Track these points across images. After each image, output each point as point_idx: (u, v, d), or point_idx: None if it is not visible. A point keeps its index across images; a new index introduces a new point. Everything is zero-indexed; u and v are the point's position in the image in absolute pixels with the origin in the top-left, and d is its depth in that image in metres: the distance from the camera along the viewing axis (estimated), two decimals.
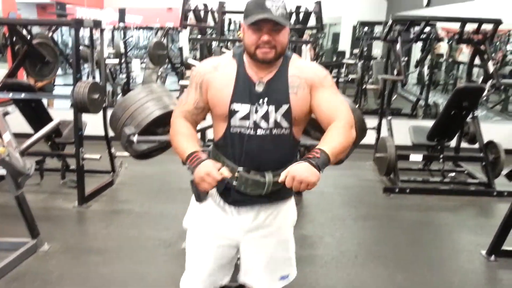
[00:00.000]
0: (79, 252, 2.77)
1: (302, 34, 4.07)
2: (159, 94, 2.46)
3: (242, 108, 1.40)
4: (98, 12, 8.96)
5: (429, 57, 5.89)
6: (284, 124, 1.42)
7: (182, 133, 1.47)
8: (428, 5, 7.23)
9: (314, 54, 6.58)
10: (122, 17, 10.02)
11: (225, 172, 1.35)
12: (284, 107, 1.41)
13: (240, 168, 1.44)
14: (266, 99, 1.40)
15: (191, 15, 3.82)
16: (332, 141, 1.34)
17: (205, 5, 3.90)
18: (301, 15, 3.87)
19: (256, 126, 1.41)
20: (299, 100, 1.42)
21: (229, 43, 4.55)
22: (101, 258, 2.72)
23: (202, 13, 3.93)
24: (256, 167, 1.44)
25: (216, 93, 1.43)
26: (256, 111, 1.41)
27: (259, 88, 1.41)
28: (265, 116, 1.40)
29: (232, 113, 1.41)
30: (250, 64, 1.43)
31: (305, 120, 1.49)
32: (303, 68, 1.47)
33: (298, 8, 3.83)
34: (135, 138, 2.25)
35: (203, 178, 1.33)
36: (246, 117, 1.41)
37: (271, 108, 1.40)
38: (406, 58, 3.97)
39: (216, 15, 3.57)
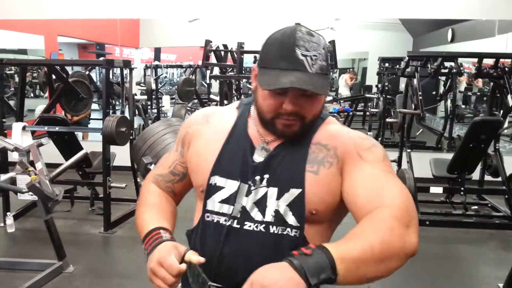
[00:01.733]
0: (102, 275, 2.93)
1: None
2: (177, 127, 2.66)
3: (227, 185, 0.98)
4: (134, 51, 9.48)
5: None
6: (290, 220, 0.94)
7: (148, 202, 1.09)
8: (452, 41, 7.29)
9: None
10: (157, 56, 10.57)
11: (193, 259, 0.89)
12: (293, 193, 0.94)
13: (212, 285, 0.93)
14: (266, 176, 0.96)
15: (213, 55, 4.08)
16: (354, 238, 0.80)
17: (225, 46, 4.15)
18: None
19: (244, 216, 0.96)
20: (320, 183, 0.94)
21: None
22: (122, 281, 2.87)
23: (222, 53, 4.19)
24: (235, 285, 0.89)
25: (197, 153, 1.04)
26: (248, 193, 0.97)
27: (259, 157, 0.99)
28: (261, 203, 0.96)
29: (210, 189, 0.99)
30: (257, 121, 1.02)
31: (331, 217, 0.98)
32: (337, 135, 0.99)
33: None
34: (152, 167, 2.43)
35: (153, 270, 0.88)
36: (230, 199, 0.97)
37: (272, 191, 0.96)
38: (421, 93, 4.03)
39: (235, 54, 3.79)
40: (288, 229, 0.95)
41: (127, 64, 3.91)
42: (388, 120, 5.03)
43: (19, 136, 3.33)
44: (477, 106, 7.74)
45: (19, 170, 2.69)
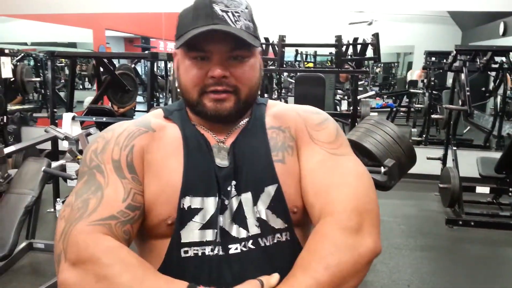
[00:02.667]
0: None
1: (361, 66, 4.16)
2: None
3: (206, 204, 0.78)
4: None
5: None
6: (277, 223, 0.80)
7: (126, 265, 0.67)
8: (504, 34, 6.97)
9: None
10: None
11: None
12: (269, 191, 0.80)
13: None
14: (233, 182, 0.80)
15: None
16: (299, 274, 0.68)
17: (266, 39, 4.17)
18: (358, 47, 3.98)
19: (225, 238, 0.78)
20: (290, 172, 0.82)
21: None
22: None
23: (263, 46, 4.20)
24: None
25: (156, 175, 0.79)
26: (223, 210, 0.79)
27: (221, 160, 0.82)
28: (238, 216, 0.79)
29: (183, 216, 0.77)
30: (200, 123, 0.86)
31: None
32: (285, 114, 0.89)
33: (355, 39, 3.96)
34: None
35: None
36: (212, 222, 0.78)
37: (245, 198, 0.80)
38: (468, 88, 3.88)
39: (276, 48, 3.80)
40: (278, 235, 0.80)
41: (171, 57, 3.99)
42: (433, 116, 4.89)
43: (69, 126, 3.48)
44: None
45: (69, 158, 2.82)
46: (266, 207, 0.80)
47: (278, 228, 0.81)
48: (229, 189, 0.80)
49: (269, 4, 5.06)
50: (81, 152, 2.85)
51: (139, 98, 6.74)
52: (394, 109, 7.21)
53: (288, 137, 0.85)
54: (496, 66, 5.02)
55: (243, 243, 0.78)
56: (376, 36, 3.58)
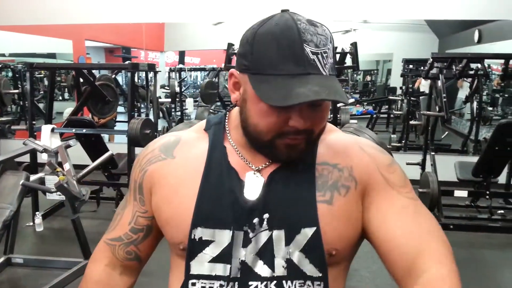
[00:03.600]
0: None
1: (340, 74, 4.22)
2: None
3: (217, 237, 0.75)
4: (159, 55, 9.64)
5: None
6: (309, 269, 0.75)
7: None
8: (479, 42, 7.16)
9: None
10: (181, 59, 10.72)
11: None
12: (306, 233, 0.74)
13: None
14: (265, 216, 0.75)
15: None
16: None
17: None
18: (337, 56, 4.05)
19: (246, 273, 0.74)
20: (336, 214, 0.76)
21: None
22: (146, 279, 2.92)
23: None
24: None
25: (167, 201, 0.79)
26: (246, 243, 0.75)
27: (251, 192, 0.76)
28: (265, 253, 0.74)
29: (193, 247, 0.76)
30: (240, 145, 0.80)
31: (350, 253, 0.82)
32: (346, 149, 0.81)
33: (334, 49, 4.02)
34: None
35: None
36: (223, 256, 0.75)
37: (277, 235, 0.75)
38: (445, 95, 3.97)
39: None
40: (309, 282, 0.74)
41: (151, 67, 4.00)
42: (412, 122, 4.98)
43: (48, 138, 3.44)
44: (505, 108, 7.57)
45: (48, 170, 2.79)
46: (299, 250, 0.74)
47: (309, 276, 0.75)
48: (255, 221, 0.74)
49: (252, 14, 5.10)
50: (60, 164, 2.83)
51: (120, 109, 6.70)
52: (374, 115, 7.32)
53: (345, 177, 0.77)
54: (472, 72, 5.15)
55: (265, 282, 0.73)
56: (354, 45, 3.64)
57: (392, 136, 6.43)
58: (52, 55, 7.69)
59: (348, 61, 4.16)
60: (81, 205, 2.84)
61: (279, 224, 0.74)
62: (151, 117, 4.16)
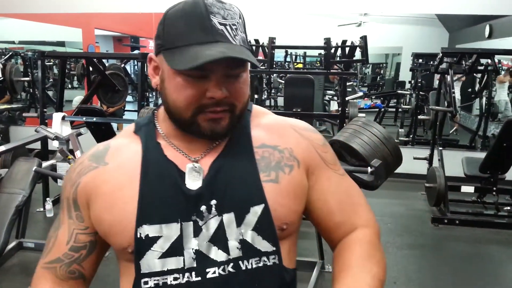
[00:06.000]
0: None
1: (349, 67, 4.22)
2: None
3: (165, 232, 0.75)
4: None
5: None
6: (263, 245, 0.78)
7: None
8: (490, 37, 7.10)
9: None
10: None
11: None
12: (256, 211, 0.77)
13: None
14: (213, 202, 0.76)
15: None
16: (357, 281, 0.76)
17: (257, 41, 4.21)
18: (347, 49, 4.05)
19: (203, 261, 0.75)
20: (284, 191, 0.79)
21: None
22: None
23: (254, 48, 4.24)
24: None
25: (107, 208, 0.77)
26: (197, 231, 0.75)
27: (194, 182, 0.76)
28: (218, 237, 0.75)
29: (140, 246, 0.75)
30: (173, 137, 0.81)
31: (298, 226, 0.85)
32: (281, 130, 0.85)
33: (344, 42, 4.02)
34: None
35: None
36: (174, 249, 0.75)
37: (228, 218, 0.76)
38: (454, 90, 3.97)
39: (266, 49, 3.84)
40: (264, 258, 0.77)
41: None
42: (420, 117, 4.98)
43: (59, 126, 3.47)
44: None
45: (59, 157, 2.83)
46: (251, 229, 0.76)
47: (265, 251, 0.77)
48: (202, 209, 0.75)
49: (259, 5, 5.10)
50: (71, 152, 2.87)
51: (129, 98, 6.74)
52: (382, 109, 7.30)
53: (287, 157, 0.81)
54: (482, 68, 5.13)
55: (222, 266, 0.75)
56: (364, 38, 3.64)
57: (400, 130, 6.42)
58: (61, 43, 7.72)
59: (357, 54, 4.16)
60: None
61: (227, 208, 0.76)
62: None
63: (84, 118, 3.82)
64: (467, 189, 4.18)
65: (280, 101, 7.26)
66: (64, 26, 6.98)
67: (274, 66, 4.32)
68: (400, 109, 7.08)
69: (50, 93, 6.55)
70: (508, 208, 4.33)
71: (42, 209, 3.73)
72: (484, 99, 5.59)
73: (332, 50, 4.01)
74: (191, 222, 0.75)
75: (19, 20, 6.44)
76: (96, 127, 4.03)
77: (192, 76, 0.71)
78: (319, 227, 0.87)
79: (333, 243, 0.87)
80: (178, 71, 0.71)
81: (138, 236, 0.74)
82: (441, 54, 4.09)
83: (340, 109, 3.85)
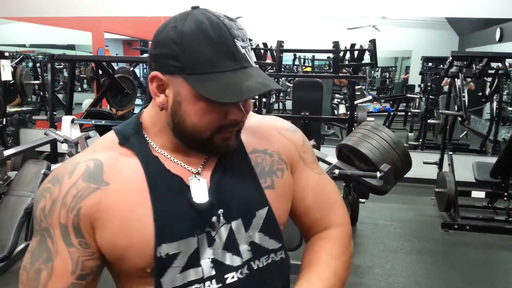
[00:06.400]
0: None
1: (358, 71, 4.21)
2: None
3: (183, 247, 0.75)
4: None
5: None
6: (270, 244, 0.82)
7: None
8: (500, 40, 7.03)
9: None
10: None
11: None
12: (261, 214, 0.81)
13: None
14: (220, 211, 0.78)
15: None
16: (315, 280, 0.82)
17: (265, 44, 4.21)
18: (355, 53, 4.03)
19: (220, 268, 0.77)
20: (279, 195, 0.84)
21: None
22: None
23: (262, 51, 4.24)
24: None
25: (121, 231, 0.74)
26: (211, 242, 0.77)
27: (199, 194, 0.77)
28: (230, 244, 0.78)
29: (161, 264, 0.74)
30: (170, 150, 0.80)
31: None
32: (266, 133, 0.88)
33: (352, 45, 4.00)
34: None
35: None
36: (192, 261, 0.76)
37: (236, 224, 0.79)
38: (464, 94, 3.93)
39: (274, 53, 3.84)
40: (272, 255, 0.82)
41: None
42: (430, 121, 4.94)
43: (68, 129, 3.50)
44: None
45: None
46: (258, 230, 0.80)
47: (272, 249, 0.82)
48: (213, 220, 0.77)
49: (268, 9, 5.10)
50: None
51: (138, 101, 6.76)
52: (392, 113, 7.26)
53: (277, 160, 0.85)
54: (492, 72, 5.08)
55: (239, 270, 0.78)
56: (373, 42, 3.62)
57: (410, 134, 6.37)
58: (72, 47, 7.79)
59: (366, 58, 4.14)
60: None
61: (235, 215, 0.78)
62: None
63: (93, 121, 3.84)
64: (478, 194, 4.14)
65: (289, 104, 7.25)
66: (74, 30, 7.04)
67: (282, 69, 4.32)
68: (409, 113, 7.04)
69: (60, 96, 6.59)
70: None
71: None
72: (495, 103, 5.53)
73: (341, 54, 3.99)
74: (205, 234, 0.76)
75: (30, 23, 6.51)
76: (104, 130, 4.05)
77: (218, 103, 0.71)
78: (297, 222, 0.93)
79: (307, 237, 0.94)
80: (201, 96, 0.70)
81: (158, 255, 0.73)
82: (451, 58, 4.05)
83: (348, 113, 3.83)
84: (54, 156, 3.79)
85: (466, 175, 4.23)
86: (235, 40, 0.70)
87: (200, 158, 0.80)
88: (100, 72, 4.43)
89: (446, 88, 6.49)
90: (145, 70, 10.85)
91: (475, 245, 3.61)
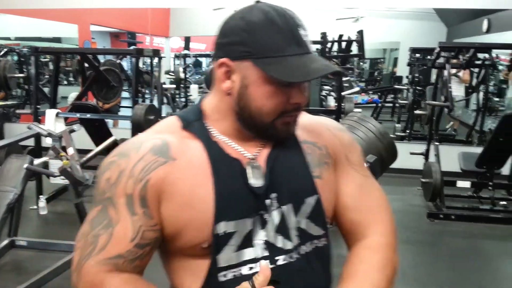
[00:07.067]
0: None
1: (346, 62, 4.20)
2: None
3: (239, 227, 0.79)
4: (164, 40, 9.60)
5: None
6: (315, 231, 0.85)
7: None
8: (488, 31, 7.06)
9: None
10: (187, 45, 10.66)
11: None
12: (310, 202, 0.83)
13: None
14: (273, 195, 0.81)
15: None
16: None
17: None
18: (343, 44, 4.02)
19: (272, 251, 0.81)
20: (326, 187, 0.86)
21: None
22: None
23: None
24: None
25: (187, 205, 0.78)
26: (263, 224, 0.80)
27: (255, 179, 0.81)
28: (282, 228, 0.81)
29: (219, 241, 0.78)
30: (229, 136, 0.83)
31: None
32: (317, 129, 0.91)
33: (340, 36, 3.99)
34: None
35: None
36: (247, 242, 0.80)
37: (287, 209, 0.82)
38: (451, 85, 3.94)
39: None
40: (316, 241, 0.85)
41: (156, 53, 3.99)
42: (417, 112, 4.96)
43: (52, 123, 3.46)
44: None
45: (52, 155, 2.81)
46: (305, 217, 0.83)
47: (316, 235, 0.85)
48: (267, 203, 0.80)
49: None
50: (64, 149, 2.84)
51: (125, 94, 6.71)
52: (379, 104, 7.27)
53: (324, 154, 0.88)
54: (479, 62, 5.10)
55: (289, 254, 0.81)
56: (360, 33, 3.61)
57: (397, 125, 6.40)
58: (58, 39, 7.68)
59: (355, 49, 4.14)
60: (84, 189, 2.87)
61: (286, 200, 0.81)
62: (155, 103, 4.17)
63: (78, 115, 3.80)
64: (463, 184, 4.18)
65: None
66: (60, 22, 6.92)
67: None
68: (397, 104, 7.06)
69: (46, 89, 6.51)
70: (504, 203, 4.32)
71: (35, 207, 3.70)
72: (481, 93, 5.56)
73: (329, 45, 3.98)
74: (259, 216, 0.80)
75: (15, 16, 6.40)
76: (90, 124, 4.02)
77: (282, 84, 0.76)
78: (337, 222, 0.91)
79: (347, 243, 0.91)
80: (270, 78, 0.75)
81: (216, 232, 0.77)
82: (438, 49, 4.06)
83: (336, 104, 3.83)
84: (38, 150, 3.75)
85: (452, 165, 4.26)
86: (299, 28, 0.76)
87: (256, 144, 0.84)
88: (86, 65, 4.38)
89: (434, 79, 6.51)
90: (132, 63, 10.75)
91: (460, 234, 3.65)
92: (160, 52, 4.08)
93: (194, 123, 0.83)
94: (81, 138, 3.84)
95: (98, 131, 4.08)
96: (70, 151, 2.83)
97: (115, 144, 3.73)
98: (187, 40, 10.55)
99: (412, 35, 9.04)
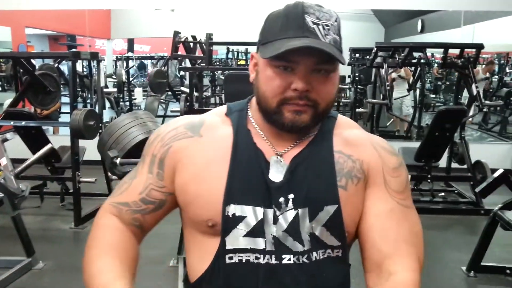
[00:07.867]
0: (71, 270, 2.90)
1: None
2: (144, 120, 2.65)
3: (249, 213, 0.80)
4: (106, 43, 9.33)
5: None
6: (330, 240, 0.82)
7: (103, 244, 0.84)
8: (422, 31, 7.43)
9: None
10: (130, 47, 10.42)
11: None
12: (329, 211, 0.81)
13: None
14: (290, 196, 0.81)
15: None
16: None
17: (194, 37, 4.15)
18: None
19: (280, 248, 0.80)
20: (350, 200, 0.83)
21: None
22: None
23: (191, 45, 4.18)
24: None
25: (196, 179, 0.82)
26: (275, 220, 0.80)
27: (276, 173, 0.82)
28: (293, 230, 0.80)
29: (228, 223, 0.80)
30: (262, 127, 0.86)
31: (351, 242, 0.88)
32: (359, 144, 0.87)
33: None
34: (118, 161, 2.42)
35: None
36: (257, 230, 0.80)
37: (302, 213, 0.80)
38: (388, 83, 4.11)
39: (204, 46, 3.80)
40: (329, 250, 0.82)
41: (94, 56, 3.85)
42: (358, 110, 5.12)
43: None
44: (446, 95, 7.94)
45: None
46: (322, 225, 0.81)
47: (331, 245, 0.82)
48: (281, 201, 0.80)
49: (200, 2, 5.03)
50: None
51: (66, 99, 6.44)
52: None
53: (357, 168, 0.84)
54: (415, 61, 5.34)
55: (297, 256, 0.80)
56: None
57: None
58: None
59: None
60: (21, 201, 2.73)
61: (303, 203, 0.81)
62: (96, 108, 4.03)
63: (12, 122, 3.60)
64: None
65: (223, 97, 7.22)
66: None
67: (216, 63, 4.28)
68: (340, 103, 7.26)
69: None
70: (443, 194, 4.56)
71: None
72: (418, 91, 5.83)
73: None
74: (271, 210, 0.80)
75: None
76: (25, 132, 3.82)
77: (279, 67, 0.77)
78: (359, 240, 0.86)
79: (364, 264, 0.84)
80: (268, 63, 0.78)
81: (226, 213, 0.80)
82: (375, 49, 4.21)
83: None
84: None
85: None
86: (305, 15, 0.75)
87: (288, 142, 0.85)
88: (21, 70, 4.16)
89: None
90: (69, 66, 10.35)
91: None
92: (99, 55, 3.95)
93: (236, 112, 0.88)
94: (18, 146, 3.65)
95: (35, 139, 3.88)
96: (3, 161, 2.69)
97: (53, 152, 3.58)
98: (131, 42, 10.33)
99: (352, 35, 9.28)
